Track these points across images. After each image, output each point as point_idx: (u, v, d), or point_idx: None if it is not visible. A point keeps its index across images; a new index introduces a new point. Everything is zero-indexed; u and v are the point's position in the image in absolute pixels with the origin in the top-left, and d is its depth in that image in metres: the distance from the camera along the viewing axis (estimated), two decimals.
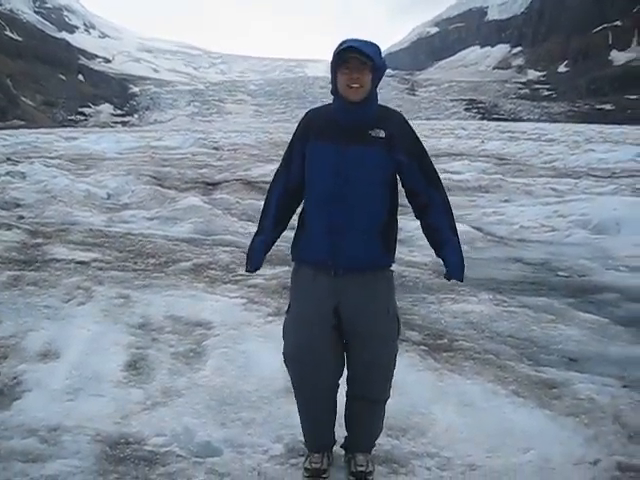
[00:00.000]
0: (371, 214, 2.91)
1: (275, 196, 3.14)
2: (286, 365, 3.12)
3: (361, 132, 2.87)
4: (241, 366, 4.37)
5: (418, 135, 3.04)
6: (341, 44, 2.83)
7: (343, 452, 3.30)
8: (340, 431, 3.27)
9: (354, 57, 2.78)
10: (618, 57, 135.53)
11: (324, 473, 3.15)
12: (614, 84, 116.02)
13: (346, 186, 2.86)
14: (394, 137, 2.89)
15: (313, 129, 2.98)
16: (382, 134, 2.87)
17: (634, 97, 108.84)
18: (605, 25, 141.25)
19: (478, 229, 10.11)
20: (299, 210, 3.12)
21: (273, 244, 3.18)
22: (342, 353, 3.07)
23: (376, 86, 2.92)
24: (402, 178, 2.98)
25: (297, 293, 3.09)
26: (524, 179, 17.33)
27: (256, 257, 3.14)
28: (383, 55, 2.96)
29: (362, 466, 3.13)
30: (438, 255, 3.06)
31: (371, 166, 2.87)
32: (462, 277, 3.02)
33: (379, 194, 2.92)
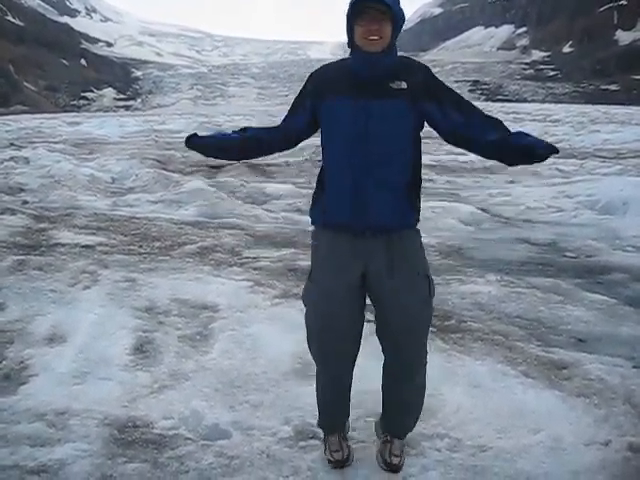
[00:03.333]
0: (396, 171, 2.75)
1: (266, 128, 3.09)
2: (309, 335, 3.01)
3: (381, 84, 2.69)
4: (248, 349, 4.35)
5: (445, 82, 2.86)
6: None
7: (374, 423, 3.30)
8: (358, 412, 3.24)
9: (372, 7, 2.58)
10: (623, 37, 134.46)
11: (347, 461, 3.09)
12: (619, 64, 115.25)
13: (369, 142, 2.69)
14: (417, 87, 2.71)
15: (327, 85, 2.80)
16: (404, 85, 2.69)
17: (639, 77, 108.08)
18: (610, 5, 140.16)
19: (484, 210, 10.07)
20: (317, 172, 3.00)
21: (223, 142, 3.00)
22: (364, 321, 2.98)
23: (396, 37, 2.73)
24: (436, 126, 2.79)
25: (319, 259, 2.94)
26: None
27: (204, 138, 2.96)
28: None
29: (397, 457, 3.06)
30: (510, 154, 2.70)
31: (394, 120, 2.70)
32: (546, 147, 2.57)
33: (404, 150, 2.76)
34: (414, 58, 2.92)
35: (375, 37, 2.64)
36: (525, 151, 2.60)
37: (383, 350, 3.00)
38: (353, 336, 2.95)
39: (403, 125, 2.73)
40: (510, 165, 2.87)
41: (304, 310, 3.04)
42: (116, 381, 3.90)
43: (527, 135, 2.66)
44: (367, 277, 2.83)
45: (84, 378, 3.91)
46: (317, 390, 3.17)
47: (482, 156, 2.88)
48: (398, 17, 2.67)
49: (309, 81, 2.91)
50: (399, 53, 2.81)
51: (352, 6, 2.63)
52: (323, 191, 2.88)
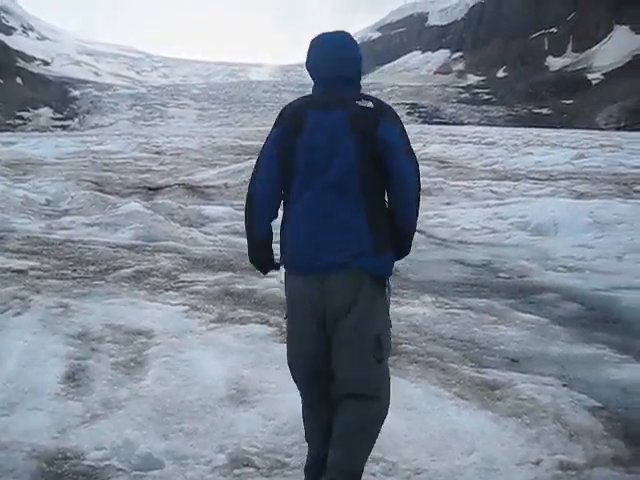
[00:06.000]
0: None
1: None
2: None
3: None
4: (183, 375, 4.29)
5: None
6: None
7: None
8: None
9: None
10: (554, 63, 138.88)
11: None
12: (551, 89, 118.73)
13: None
14: None
15: None
16: None
17: (569, 102, 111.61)
18: (542, 31, 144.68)
19: (420, 232, 10.19)
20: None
21: None
22: None
23: None
24: None
25: None
26: (465, 182, 17.59)
27: None
28: None
29: None
30: None
31: None
32: None
33: None
34: None
35: None
36: None
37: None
38: None
39: None
40: None
41: None
42: (46, 411, 3.79)
43: None
44: None
45: (12, 409, 3.79)
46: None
47: None
48: None
49: None
50: None
51: None
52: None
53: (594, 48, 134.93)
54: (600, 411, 4.00)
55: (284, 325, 5.16)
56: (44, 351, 4.62)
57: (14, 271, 6.81)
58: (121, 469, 3.22)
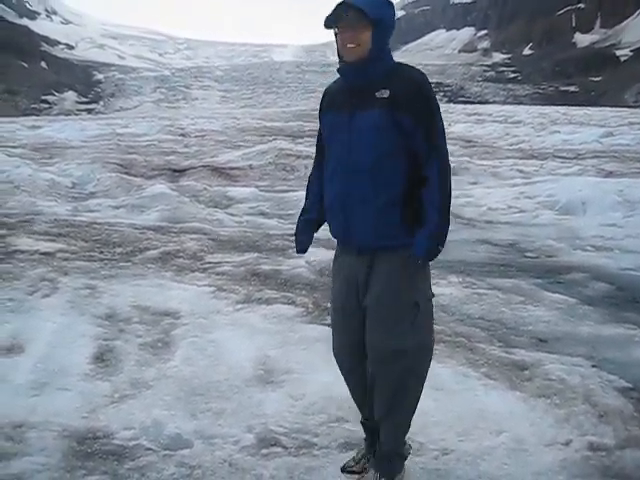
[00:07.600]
0: (383, 185, 2.60)
1: (316, 175, 2.97)
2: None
3: (368, 95, 2.58)
4: (210, 355, 4.31)
5: (432, 95, 2.64)
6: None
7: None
8: None
9: (345, 14, 2.52)
10: (582, 39, 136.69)
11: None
12: (578, 66, 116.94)
13: (352, 155, 2.61)
14: (398, 96, 2.54)
15: (326, 100, 2.83)
16: (386, 94, 2.55)
17: (597, 79, 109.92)
18: (569, 7, 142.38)
19: None
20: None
21: (321, 221, 2.98)
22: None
23: (382, 43, 2.61)
24: (405, 140, 2.58)
25: (333, 273, 3.00)
26: (491, 161, 17.41)
27: (301, 238, 2.99)
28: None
29: None
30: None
31: (373, 131, 2.57)
32: (423, 255, 2.70)
33: (390, 162, 2.59)
34: (414, 67, 2.73)
35: (352, 44, 2.56)
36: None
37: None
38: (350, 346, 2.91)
39: (385, 136, 2.58)
40: None
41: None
42: (75, 391, 3.83)
43: (426, 237, 2.65)
44: (362, 300, 2.79)
45: (42, 389, 3.83)
46: None
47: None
48: (378, 21, 2.56)
49: (321, 99, 2.94)
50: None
51: (329, 15, 2.56)
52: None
53: (623, 24, 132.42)
54: (630, 392, 3.95)
55: (310, 305, 5.20)
56: (73, 332, 4.68)
57: (42, 253, 6.88)
58: (150, 448, 3.25)
